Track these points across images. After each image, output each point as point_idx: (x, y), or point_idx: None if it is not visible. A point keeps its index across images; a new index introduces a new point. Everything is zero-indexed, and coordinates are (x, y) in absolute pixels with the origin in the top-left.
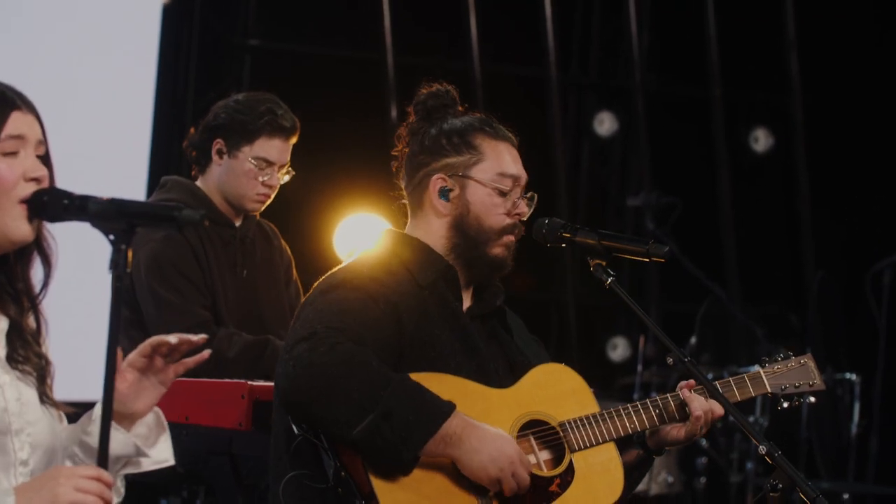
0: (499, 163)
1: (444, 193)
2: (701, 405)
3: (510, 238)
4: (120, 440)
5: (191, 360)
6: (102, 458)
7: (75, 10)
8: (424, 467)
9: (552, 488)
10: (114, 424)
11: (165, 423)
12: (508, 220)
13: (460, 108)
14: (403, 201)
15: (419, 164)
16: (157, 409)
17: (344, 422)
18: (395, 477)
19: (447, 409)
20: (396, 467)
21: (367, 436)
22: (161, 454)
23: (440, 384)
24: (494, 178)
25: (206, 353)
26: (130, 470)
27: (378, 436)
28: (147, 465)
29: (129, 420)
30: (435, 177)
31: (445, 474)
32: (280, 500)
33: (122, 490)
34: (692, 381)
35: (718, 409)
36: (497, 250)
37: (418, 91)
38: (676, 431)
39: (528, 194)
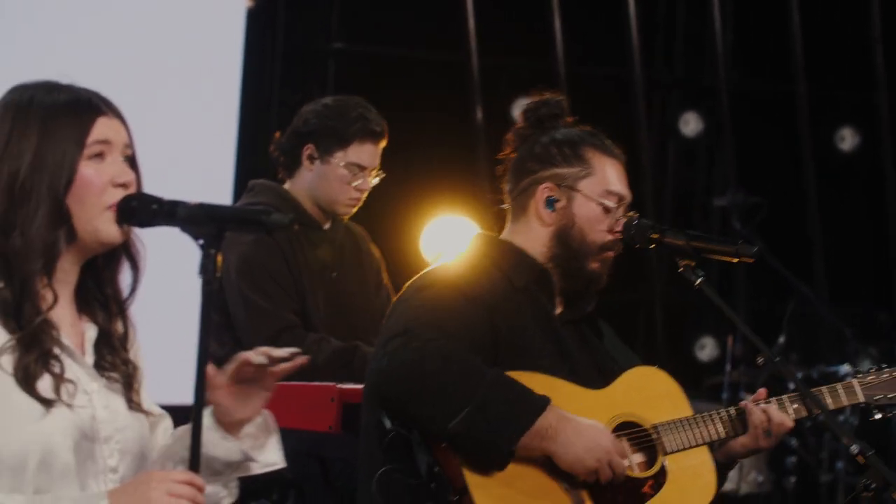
0: (607, 179)
1: (550, 203)
2: (760, 419)
3: (609, 255)
4: (228, 448)
5: (288, 366)
6: (194, 461)
7: (160, 15)
8: (518, 463)
9: (645, 490)
10: (221, 433)
11: (274, 426)
12: (609, 237)
13: (569, 119)
14: (503, 206)
15: (527, 171)
16: (265, 412)
17: (439, 416)
18: (489, 472)
19: (542, 403)
20: (490, 462)
21: (462, 430)
22: (270, 457)
23: (533, 382)
24: (602, 193)
25: (304, 358)
26: (241, 474)
27: (473, 430)
28: (257, 469)
29: (236, 427)
30: (542, 185)
31: (539, 470)
32: (374, 495)
33: (236, 491)
34: (762, 392)
35: (788, 424)
36: (595, 265)
37: (529, 98)
38: (741, 444)
39: (631, 213)
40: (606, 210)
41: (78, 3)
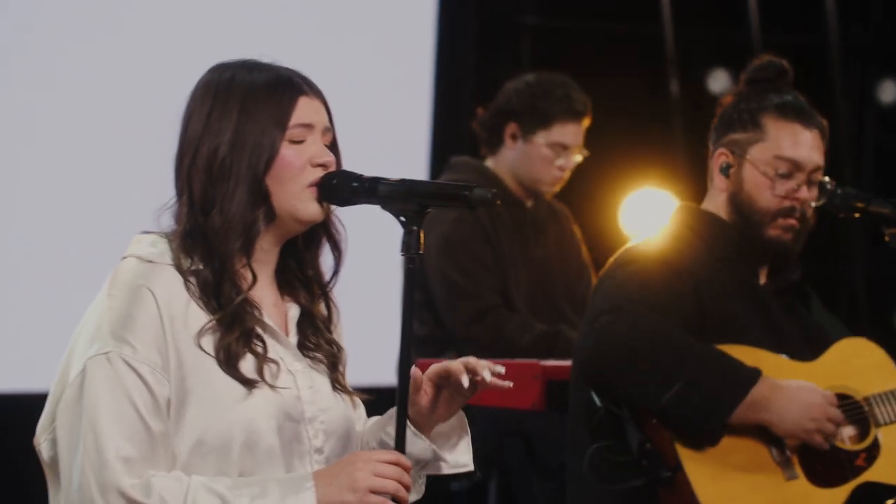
0: (779, 145)
1: (724, 169)
2: None
3: (788, 221)
4: (419, 445)
5: (491, 383)
6: (399, 443)
7: None
8: (730, 437)
9: (858, 462)
10: (413, 430)
11: (467, 427)
12: (786, 203)
13: (785, 84)
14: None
15: (715, 136)
16: (460, 412)
17: (651, 391)
18: (702, 447)
19: (754, 374)
20: (703, 436)
21: (675, 404)
22: (461, 458)
23: (742, 355)
24: (769, 159)
25: (508, 384)
26: (430, 472)
27: (686, 404)
28: (446, 469)
29: (430, 425)
30: (719, 151)
31: (750, 443)
32: (586, 473)
33: (423, 488)
34: None
35: None
36: (773, 232)
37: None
38: None
39: (826, 179)
40: (775, 176)
41: None
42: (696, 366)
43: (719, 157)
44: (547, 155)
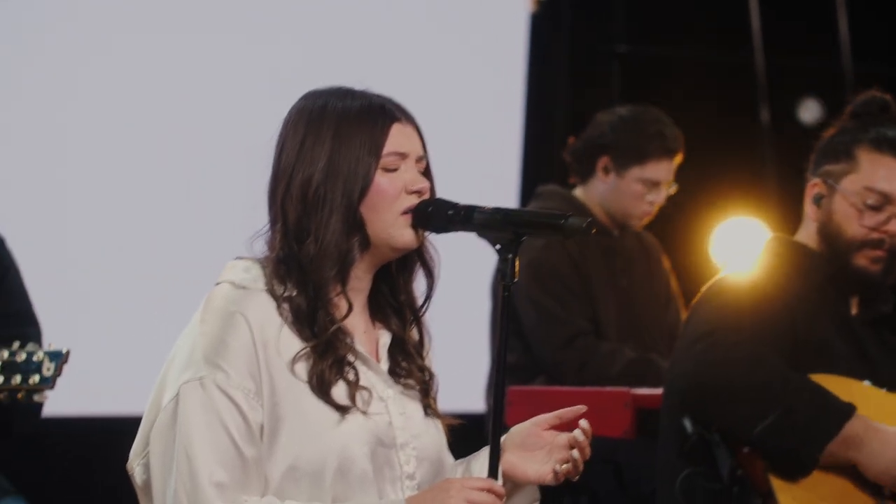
0: (870, 177)
1: (817, 199)
2: None
3: (875, 252)
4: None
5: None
6: (493, 470)
7: (442, 21)
8: (822, 467)
9: None
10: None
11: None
12: (873, 235)
13: (887, 121)
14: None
15: (812, 167)
16: (537, 493)
17: (745, 420)
18: (794, 476)
19: (848, 410)
20: (796, 467)
21: (768, 435)
22: None
23: (835, 386)
24: (860, 190)
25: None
26: None
27: (779, 435)
28: None
29: (510, 488)
30: (814, 181)
31: (843, 476)
32: (677, 500)
33: None
34: None
35: None
36: (860, 262)
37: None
38: None
39: None
40: (864, 207)
41: (361, 9)
42: (790, 397)
43: (813, 188)
44: (638, 190)
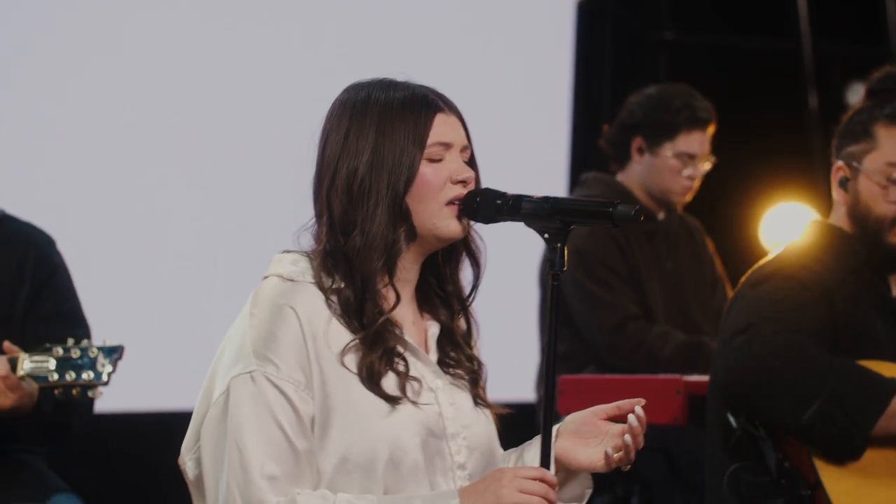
0: (892, 152)
1: (842, 182)
2: None
3: None
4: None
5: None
6: (545, 459)
7: (490, 12)
8: (870, 452)
9: None
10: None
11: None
12: None
13: None
14: None
15: (835, 151)
16: (591, 483)
17: (791, 410)
18: (841, 462)
19: (892, 384)
20: (844, 451)
21: (816, 421)
22: None
23: (879, 369)
24: (882, 167)
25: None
26: None
27: (829, 420)
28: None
29: (562, 477)
30: (837, 164)
31: (892, 459)
32: (725, 494)
33: None
34: None
35: None
36: (894, 239)
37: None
38: None
39: None
40: (888, 182)
41: (410, 1)
42: (835, 380)
43: (837, 172)
44: (675, 166)
